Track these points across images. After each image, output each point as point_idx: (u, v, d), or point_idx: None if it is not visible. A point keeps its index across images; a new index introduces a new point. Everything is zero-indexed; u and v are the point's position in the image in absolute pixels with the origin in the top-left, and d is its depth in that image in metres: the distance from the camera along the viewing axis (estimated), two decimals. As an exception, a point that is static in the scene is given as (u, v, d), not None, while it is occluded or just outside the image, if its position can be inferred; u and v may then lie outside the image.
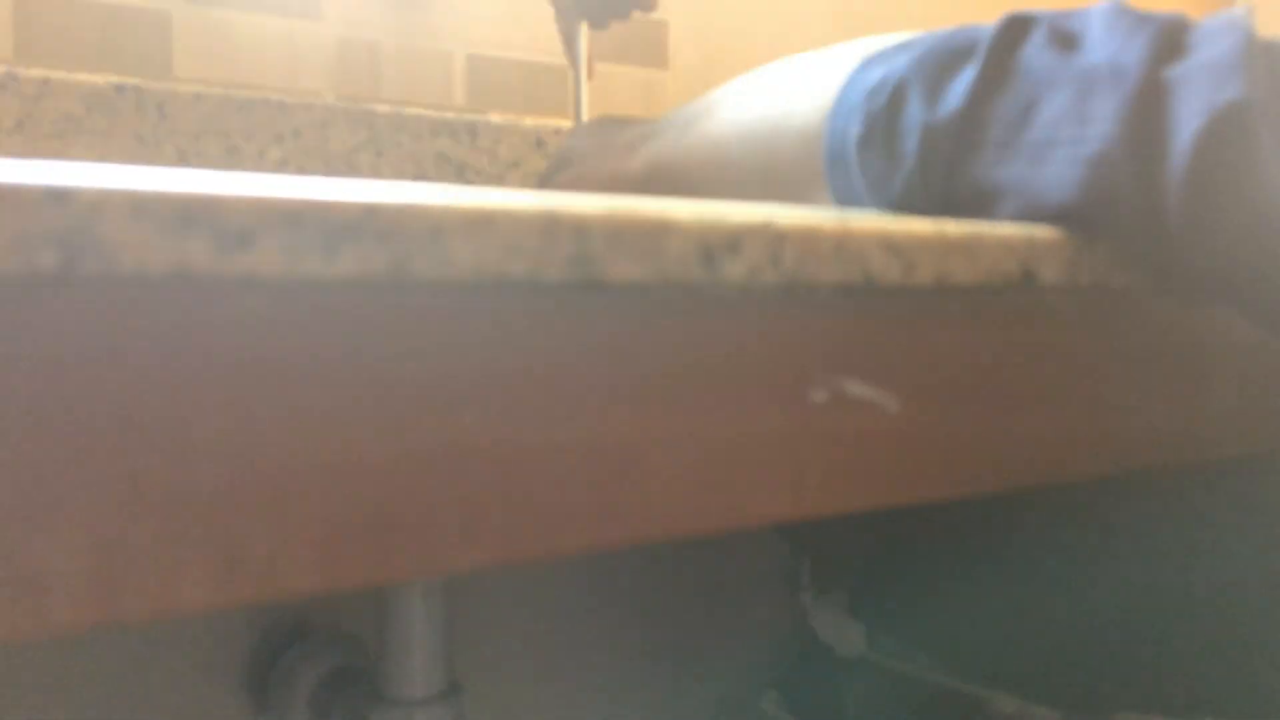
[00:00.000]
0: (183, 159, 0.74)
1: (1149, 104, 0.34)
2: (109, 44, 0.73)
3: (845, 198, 0.44)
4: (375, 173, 0.82)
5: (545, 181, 0.73)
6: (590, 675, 0.88)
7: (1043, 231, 0.36)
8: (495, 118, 0.88)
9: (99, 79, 0.72)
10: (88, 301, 0.21)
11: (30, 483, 0.22)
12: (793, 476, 0.36)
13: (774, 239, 0.30)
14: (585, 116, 0.81)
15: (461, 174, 0.86)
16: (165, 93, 0.74)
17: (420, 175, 0.84)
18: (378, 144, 0.82)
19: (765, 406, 0.34)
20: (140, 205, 0.21)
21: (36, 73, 0.70)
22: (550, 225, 0.26)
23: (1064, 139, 0.36)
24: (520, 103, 0.90)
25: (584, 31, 0.79)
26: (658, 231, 0.28)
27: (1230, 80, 0.33)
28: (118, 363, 0.22)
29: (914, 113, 0.39)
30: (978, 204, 0.39)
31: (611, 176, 0.66)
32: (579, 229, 0.27)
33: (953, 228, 0.34)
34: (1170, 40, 0.36)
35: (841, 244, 0.31)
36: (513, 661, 0.83)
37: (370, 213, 0.24)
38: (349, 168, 0.81)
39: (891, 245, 0.32)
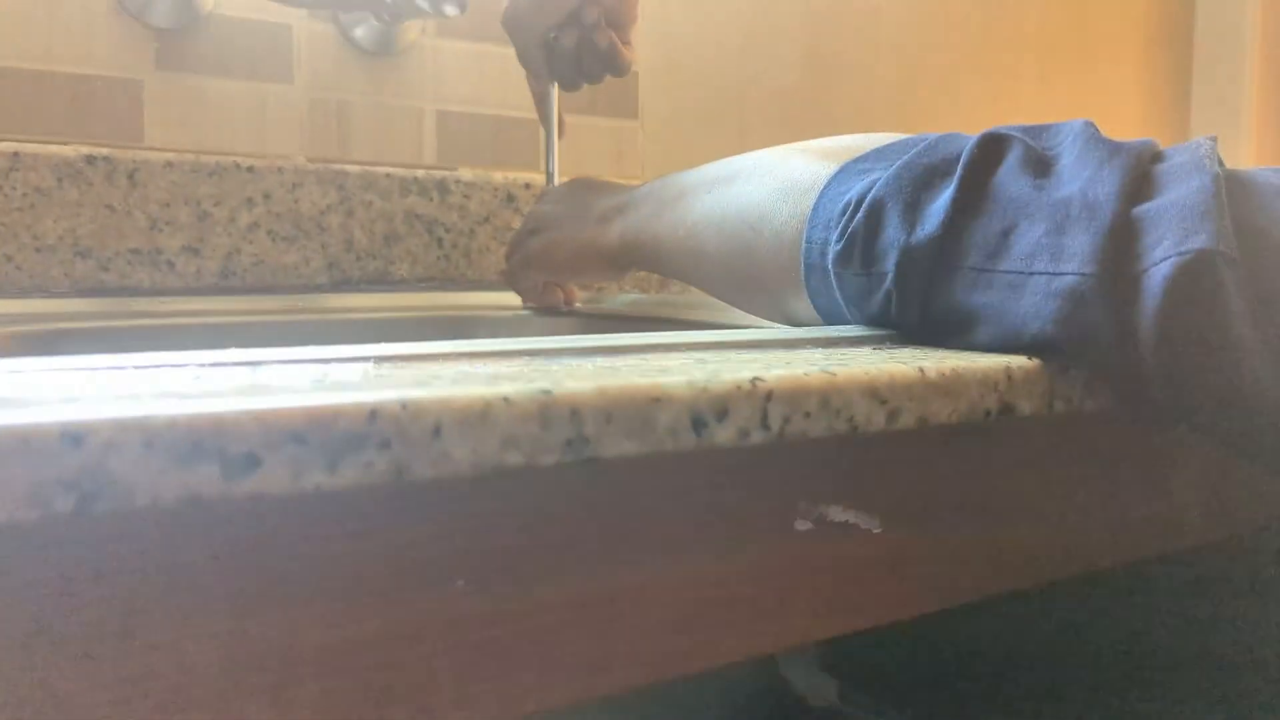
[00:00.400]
0: (153, 226, 0.74)
1: (1121, 243, 0.35)
2: (80, 114, 0.73)
3: (824, 306, 0.45)
4: (346, 232, 0.82)
5: (516, 247, 0.73)
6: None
7: (1019, 363, 0.37)
8: (465, 173, 0.88)
9: (70, 150, 0.71)
10: (100, 535, 0.22)
11: (41, 692, 0.22)
12: (777, 608, 0.36)
13: (761, 401, 0.31)
14: (557, 173, 0.81)
15: (432, 230, 0.86)
16: (136, 161, 0.73)
17: (391, 234, 0.84)
18: (348, 204, 0.82)
19: (750, 543, 0.35)
20: (152, 439, 0.22)
21: (6, 145, 0.69)
22: (545, 412, 0.27)
23: (1040, 271, 0.37)
24: (490, 157, 0.90)
25: (555, 92, 0.79)
26: (649, 405, 0.29)
27: (1199, 227, 0.34)
28: (127, 585, 0.22)
29: (892, 234, 0.40)
30: (956, 326, 0.40)
31: (585, 246, 0.67)
32: (574, 413, 0.27)
33: (933, 369, 0.35)
34: (1139, 174, 0.37)
35: (827, 399, 0.32)
36: None
37: (371, 419, 0.24)
38: (319, 229, 0.81)
39: (876, 393, 0.33)
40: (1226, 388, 0.35)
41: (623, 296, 0.86)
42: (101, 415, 0.21)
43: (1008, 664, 0.53)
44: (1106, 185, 0.36)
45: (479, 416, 0.26)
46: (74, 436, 0.21)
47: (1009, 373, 0.37)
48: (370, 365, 0.30)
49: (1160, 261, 0.34)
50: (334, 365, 0.29)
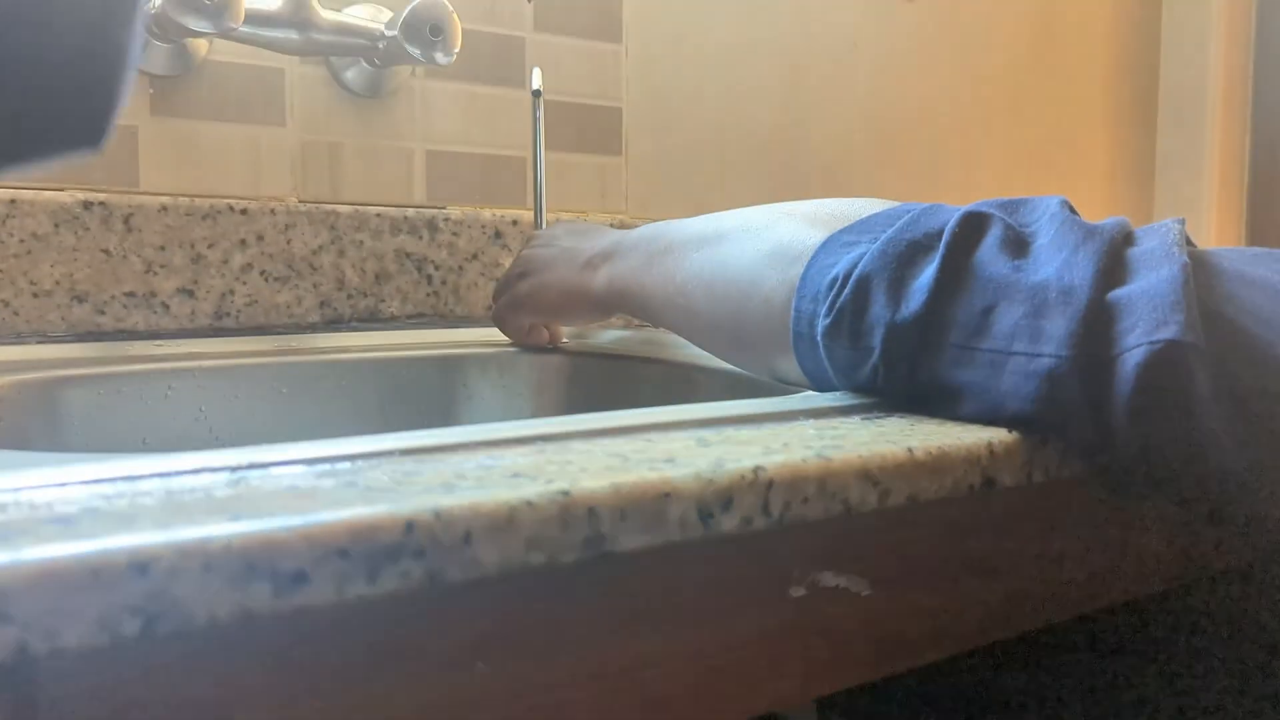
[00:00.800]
0: (149, 270, 0.75)
1: (1095, 327, 0.37)
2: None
3: (812, 370, 0.47)
4: (337, 271, 0.83)
5: (504, 288, 0.75)
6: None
7: (1000, 438, 0.39)
8: (454, 211, 0.90)
9: (66, 196, 0.72)
10: (162, 655, 0.23)
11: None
12: (774, 669, 0.38)
13: (763, 489, 0.33)
14: (545, 211, 0.83)
15: (421, 268, 0.88)
16: (132, 206, 0.74)
17: (381, 272, 0.86)
18: (339, 244, 0.84)
19: (749, 611, 0.37)
20: (210, 562, 0.23)
21: (4, 193, 0.70)
22: (565, 514, 0.29)
23: (1020, 351, 0.39)
24: (478, 196, 0.92)
25: (541, 133, 0.81)
26: (659, 500, 0.31)
27: (1169, 318, 0.36)
28: (185, 704, 0.24)
29: (878, 311, 0.42)
30: (940, 399, 0.42)
31: (573, 290, 0.69)
32: (591, 512, 0.29)
33: (921, 448, 0.37)
34: (1112, 258, 0.39)
35: (824, 483, 0.34)
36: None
37: (408, 530, 0.26)
38: (311, 269, 0.82)
39: (869, 475, 0.35)
40: (1194, 466, 0.37)
41: (608, 334, 0.88)
42: (164, 540, 0.23)
43: (997, 706, 0.56)
44: (1082, 270, 0.39)
45: (505, 521, 0.28)
46: (140, 565, 0.23)
47: (991, 449, 0.39)
48: (396, 460, 0.32)
49: (1133, 348, 0.36)
50: (361, 463, 0.31)
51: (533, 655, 0.32)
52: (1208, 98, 1.52)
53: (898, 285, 0.42)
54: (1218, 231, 1.55)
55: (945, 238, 0.42)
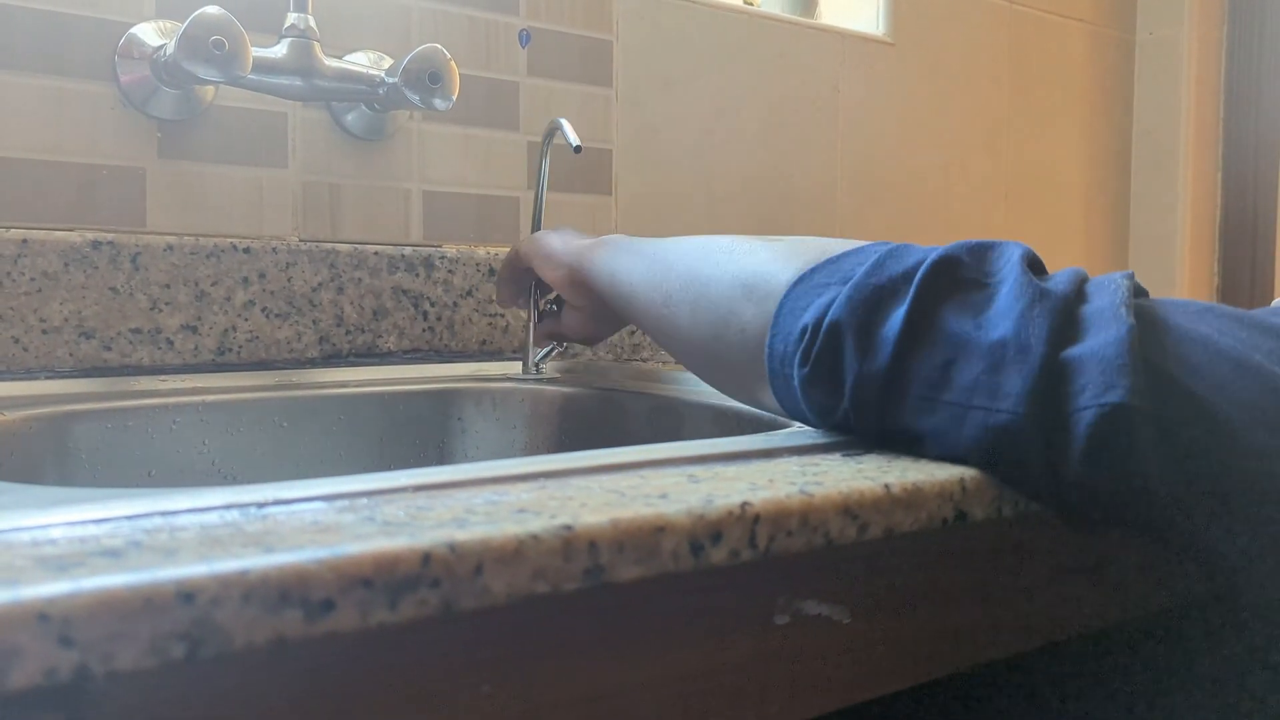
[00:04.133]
0: (154, 307, 0.78)
1: (1049, 385, 0.40)
2: (86, 201, 0.76)
3: (790, 408, 0.50)
4: (336, 308, 0.86)
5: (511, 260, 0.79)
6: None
7: (971, 475, 0.42)
8: (449, 250, 0.92)
9: (76, 235, 0.75)
10: (204, 677, 0.26)
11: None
12: (760, 693, 0.41)
13: (749, 524, 0.35)
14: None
15: (417, 305, 0.90)
16: (139, 245, 0.77)
17: (379, 308, 0.88)
18: (338, 281, 0.86)
19: (735, 637, 0.40)
20: (249, 592, 0.26)
21: (15, 233, 0.72)
22: (568, 547, 0.31)
23: (979, 405, 0.41)
24: (473, 234, 0.95)
25: (546, 169, 0.84)
26: (654, 534, 0.33)
27: (1116, 381, 0.39)
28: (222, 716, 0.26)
29: (849, 361, 0.44)
30: (907, 442, 0.45)
31: (566, 256, 0.73)
32: (591, 545, 0.32)
33: (897, 484, 0.40)
34: (1065, 317, 0.42)
35: (806, 518, 0.37)
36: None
37: (425, 561, 0.28)
38: (311, 305, 0.85)
39: (848, 510, 0.38)
40: (1138, 507, 0.40)
41: (599, 367, 0.91)
42: (207, 571, 0.25)
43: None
44: (1037, 329, 0.41)
45: (513, 554, 0.30)
46: (186, 594, 0.25)
47: (963, 484, 0.41)
48: (409, 496, 0.34)
49: (1083, 409, 0.39)
50: (378, 499, 0.34)
51: (534, 678, 0.34)
52: (1180, 139, 1.56)
53: (865, 334, 0.44)
54: (1190, 267, 1.58)
55: (913, 288, 0.44)
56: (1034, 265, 0.46)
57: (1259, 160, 1.56)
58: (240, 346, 0.82)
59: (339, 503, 0.33)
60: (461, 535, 0.30)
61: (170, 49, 0.71)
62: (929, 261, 0.45)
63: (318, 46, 0.76)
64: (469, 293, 0.93)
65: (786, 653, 0.41)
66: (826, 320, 0.45)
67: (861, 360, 0.44)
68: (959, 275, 0.45)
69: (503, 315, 0.96)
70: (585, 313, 0.76)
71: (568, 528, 0.31)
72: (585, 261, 0.70)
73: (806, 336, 0.46)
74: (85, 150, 0.76)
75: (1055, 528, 0.49)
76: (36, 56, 0.74)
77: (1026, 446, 0.40)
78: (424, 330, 0.91)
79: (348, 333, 0.87)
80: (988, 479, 0.42)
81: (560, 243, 0.74)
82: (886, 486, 0.39)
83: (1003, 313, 0.42)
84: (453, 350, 0.92)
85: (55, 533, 0.29)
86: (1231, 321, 0.41)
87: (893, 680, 0.45)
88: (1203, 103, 1.57)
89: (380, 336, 0.88)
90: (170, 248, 0.78)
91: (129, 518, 0.30)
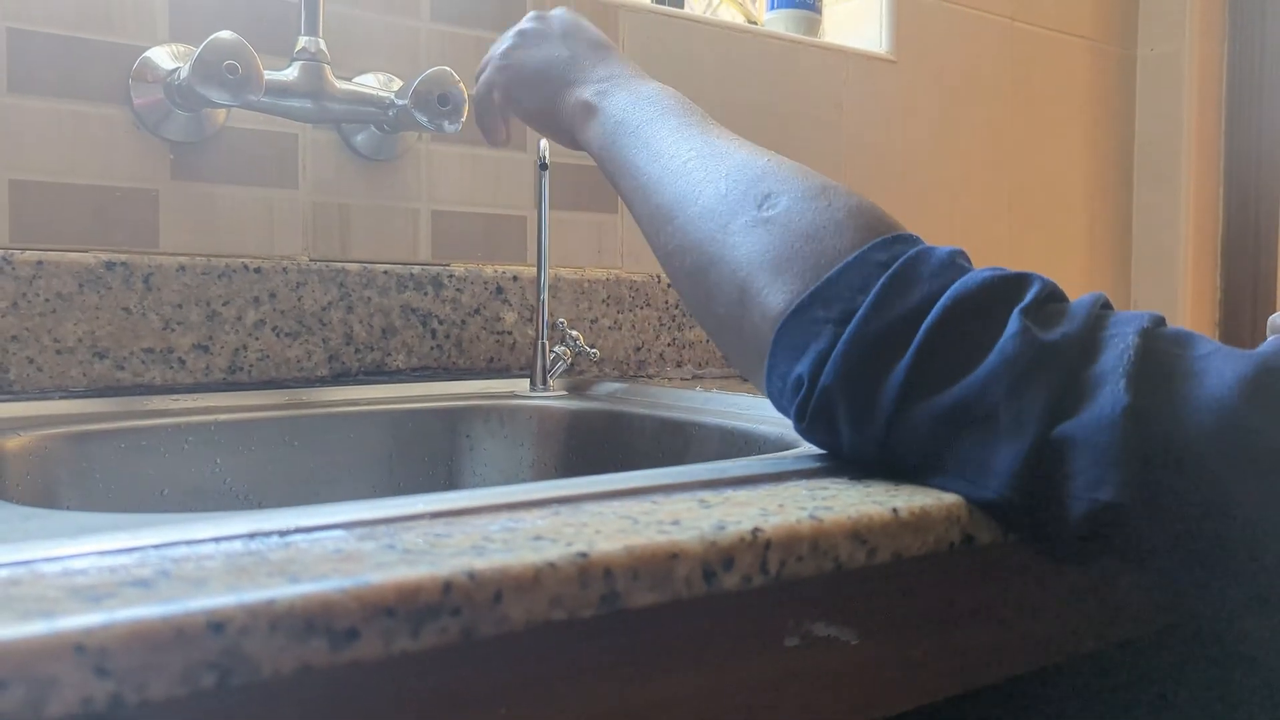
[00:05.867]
0: (166, 327, 0.78)
1: (1040, 465, 0.40)
2: (100, 223, 0.77)
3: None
4: (346, 327, 0.87)
5: (488, 61, 0.70)
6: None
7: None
8: (457, 268, 0.93)
9: (89, 257, 0.75)
10: (232, 705, 0.26)
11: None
12: (770, 713, 0.41)
13: (761, 549, 0.36)
14: (546, 260, 0.87)
15: (426, 323, 0.91)
16: (152, 266, 0.78)
17: (388, 327, 0.89)
18: (348, 300, 0.87)
19: (747, 660, 0.40)
20: (276, 622, 0.26)
21: (31, 255, 0.73)
22: (584, 575, 0.32)
23: (970, 479, 0.42)
24: (480, 253, 0.96)
25: (547, 181, 0.85)
26: (668, 561, 0.34)
27: (1108, 476, 0.38)
28: (251, 744, 0.27)
29: (844, 429, 0.44)
30: (907, 476, 0.45)
31: (553, 116, 0.65)
32: (606, 573, 0.32)
33: (905, 508, 0.40)
34: (1068, 382, 0.40)
35: (816, 543, 0.37)
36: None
37: (446, 590, 0.29)
38: (321, 324, 0.86)
39: (857, 535, 0.39)
40: (1132, 563, 0.41)
41: (605, 386, 0.92)
42: (235, 602, 0.26)
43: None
44: (1032, 402, 0.40)
45: (532, 582, 0.31)
46: (216, 625, 0.26)
47: (970, 509, 0.42)
48: (427, 523, 0.35)
49: (1075, 499, 0.39)
50: (396, 526, 0.34)
51: (551, 701, 0.35)
52: (1181, 153, 1.57)
53: (860, 400, 0.43)
54: (1193, 280, 1.59)
55: (915, 345, 0.42)
56: (1049, 299, 0.43)
57: (1261, 173, 1.57)
58: (251, 365, 0.82)
59: (358, 530, 0.34)
60: (480, 564, 0.30)
61: (184, 73, 0.72)
62: (935, 314, 0.42)
63: (328, 69, 0.77)
64: (477, 311, 0.94)
65: (797, 673, 0.42)
66: (821, 383, 0.43)
67: (856, 428, 0.44)
68: (965, 327, 0.42)
69: (510, 333, 0.96)
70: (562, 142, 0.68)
71: (584, 555, 0.32)
72: (578, 132, 0.63)
73: (803, 390, 0.44)
74: (99, 172, 0.77)
75: (1060, 549, 0.49)
76: (52, 80, 0.75)
77: (1015, 523, 0.41)
78: (432, 348, 0.91)
79: (357, 351, 0.87)
80: (995, 504, 0.43)
81: (538, 76, 0.65)
82: (895, 511, 0.40)
83: (999, 376, 0.40)
84: (461, 368, 0.93)
85: (84, 563, 0.29)
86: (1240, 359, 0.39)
87: (901, 700, 0.46)
88: (1204, 117, 1.58)
89: (389, 355, 0.89)
90: (183, 268, 0.79)
91: (155, 547, 0.31)
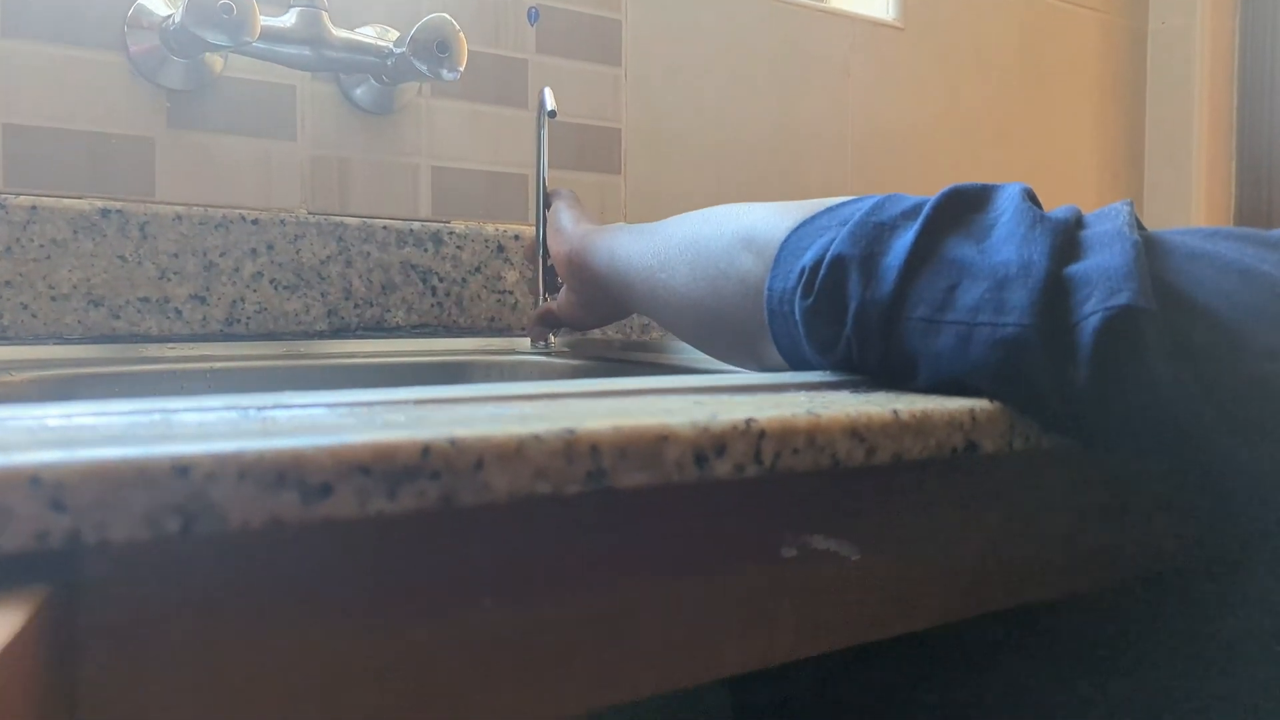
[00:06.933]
0: (163, 276, 0.78)
1: (1054, 298, 0.40)
2: (96, 170, 0.76)
3: (789, 351, 0.49)
4: (345, 281, 0.86)
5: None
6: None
7: (982, 405, 0.41)
8: (458, 226, 0.92)
9: (84, 204, 0.75)
10: (198, 555, 0.25)
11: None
12: (767, 626, 0.40)
13: (755, 438, 0.35)
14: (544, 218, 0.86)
15: (426, 280, 0.90)
16: (147, 214, 0.77)
17: (387, 283, 0.88)
18: (347, 254, 0.86)
19: (743, 566, 0.39)
20: (245, 470, 0.25)
21: (25, 199, 0.73)
22: (570, 449, 0.31)
23: (984, 322, 0.41)
24: (481, 211, 0.95)
25: (545, 150, 0.84)
26: (658, 442, 0.33)
27: (1123, 286, 0.38)
28: (219, 605, 0.26)
29: (853, 289, 0.44)
30: (911, 372, 0.44)
31: (579, 241, 0.72)
32: (593, 448, 0.31)
33: (905, 411, 0.39)
34: (1067, 239, 0.42)
35: (813, 437, 0.36)
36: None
37: (425, 453, 0.28)
38: (320, 278, 0.85)
39: (855, 432, 0.37)
40: (1149, 419, 0.40)
41: (605, 347, 0.90)
42: (203, 450, 0.25)
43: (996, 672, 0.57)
44: (1038, 248, 0.41)
45: (514, 452, 0.30)
46: (181, 468, 0.25)
47: (973, 414, 0.41)
48: (411, 407, 0.34)
49: (1090, 315, 0.38)
50: (380, 407, 0.33)
51: (538, 593, 0.34)
52: (1193, 128, 1.56)
53: (869, 264, 0.44)
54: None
55: (919, 222, 0.44)
56: (1032, 200, 0.46)
57: (1273, 149, 1.55)
58: (249, 318, 0.81)
59: (341, 409, 0.33)
60: (462, 431, 0.29)
61: (179, 16, 0.71)
62: (935, 199, 0.45)
63: (326, 16, 0.76)
64: (477, 269, 0.93)
65: (794, 586, 0.41)
66: (829, 254, 0.45)
67: (865, 288, 0.43)
68: (962, 209, 0.45)
69: (511, 293, 0.95)
70: (581, 297, 0.75)
71: (570, 430, 0.31)
72: (588, 242, 0.70)
73: (808, 272, 0.46)
74: (95, 119, 0.76)
75: (1072, 467, 0.48)
76: (48, 25, 0.75)
77: (1034, 359, 0.39)
78: (432, 305, 0.90)
79: (356, 306, 0.87)
80: (999, 409, 0.41)
81: (570, 221, 0.75)
82: (895, 412, 0.39)
83: (1005, 238, 0.42)
84: (461, 326, 0.92)
85: (53, 421, 0.28)
86: (1238, 240, 0.41)
87: (897, 623, 0.45)
88: (1216, 92, 1.56)
89: (389, 311, 0.88)
90: (179, 217, 0.78)
91: (127, 413, 0.30)
